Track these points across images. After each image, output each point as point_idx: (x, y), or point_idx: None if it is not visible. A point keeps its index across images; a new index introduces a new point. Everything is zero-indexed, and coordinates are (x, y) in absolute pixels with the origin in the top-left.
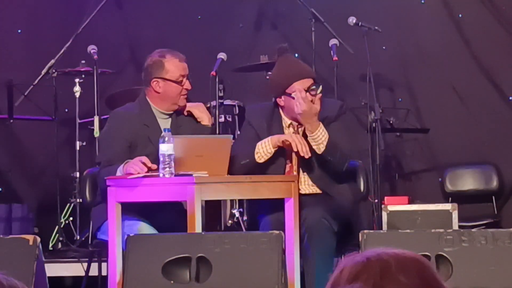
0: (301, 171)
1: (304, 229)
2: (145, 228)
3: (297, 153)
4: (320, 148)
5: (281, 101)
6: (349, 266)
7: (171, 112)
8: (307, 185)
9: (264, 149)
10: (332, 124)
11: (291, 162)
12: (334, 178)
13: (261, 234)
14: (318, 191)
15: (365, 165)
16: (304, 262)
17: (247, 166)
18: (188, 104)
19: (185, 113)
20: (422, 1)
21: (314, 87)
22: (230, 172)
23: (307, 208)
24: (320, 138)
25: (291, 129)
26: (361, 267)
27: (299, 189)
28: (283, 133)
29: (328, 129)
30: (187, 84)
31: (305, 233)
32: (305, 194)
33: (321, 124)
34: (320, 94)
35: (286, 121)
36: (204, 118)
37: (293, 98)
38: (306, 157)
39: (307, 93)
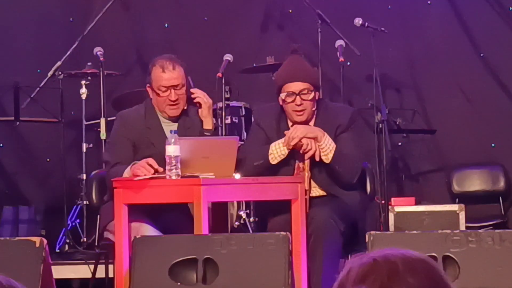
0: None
1: (311, 229)
2: (150, 231)
3: (307, 156)
4: (328, 158)
5: (280, 100)
6: (356, 267)
7: (170, 117)
8: (317, 188)
9: (278, 151)
10: (344, 134)
11: (303, 163)
12: (343, 186)
13: (267, 236)
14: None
15: (372, 166)
16: (310, 262)
17: (261, 167)
18: (199, 94)
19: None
20: (429, 2)
21: (305, 92)
22: (242, 173)
23: (315, 208)
24: (327, 147)
25: None
26: (368, 268)
27: (309, 192)
28: None
29: (339, 138)
30: (171, 95)
31: (312, 233)
32: (314, 197)
33: (326, 135)
34: (311, 98)
35: (291, 123)
36: (206, 121)
37: (284, 100)
38: (317, 159)
39: (298, 97)
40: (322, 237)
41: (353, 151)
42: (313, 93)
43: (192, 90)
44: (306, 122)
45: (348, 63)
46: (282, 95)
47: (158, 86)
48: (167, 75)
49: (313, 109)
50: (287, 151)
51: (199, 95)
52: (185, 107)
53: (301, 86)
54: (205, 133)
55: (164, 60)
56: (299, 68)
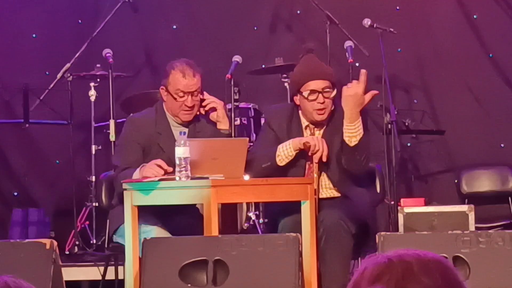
0: (320, 174)
1: (322, 230)
2: (160, 233)
3: (316, 158)
4: (351, 141)
5: (297, 100)
6: (371, 267)
7: (183, 122)
8: (326, 189)
9: (285, 152)
10: None
11: (311, 163)
12: (354, 181)
13: (277, 237)
14: (336, 194)
15: (381, 167)
16: (321, 264)
17: (268, 169)
18: (211, 98)
19: (203, 112)
20: (436, 3)
21: (328, 90)
22: (251, 174)
23: (325, 210)
24: (356, 131)
25: (308, 131)
26: (383, 268)
27: (318, 193)
28: (302, 134)
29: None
30: (188, 101)
31: (322, 235)
32: (323, 198)
33: (360, 118)
34: (333, 96)
35: (303, 121)
36: (224, 122)
37: (305, 97)
38: (324, 160)
39: (320, 95)
40: (333, 239)
41: (364, 141)
42: (334, 91)
43: (200, 96)
44: (323, 122)
45: (357, 64)
46: (305, 93)
47: (176, 91)
48: (187, 81)
49: (332, 108)
50: (294, 153)
51: (210, 99)
52: (197, 113)
53: (323, 84)
54: (222, 133)
55: (184, 65)
56: (319, 66)
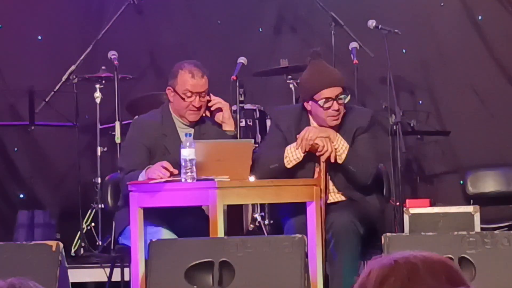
0: (328, 178)
1: (331, 233)
2: (166, 235)
3: (324, 157)
4: (342, 157)
5: (309, 105)
6: (377, 269)
7: (189, 123)
8: (333, 193)
9: (292, 154)
10: (362, 136)
11: (319, 165)
12: (361, 187)
13: (283, 238)
14: (344, 198)
15: (386, 168)
16: (330, 266)
17: (276, 170)
18: (217, 100)
19: (208, 113)
20: (442, 4)
21: (342, 96)
22: (258, 175)
23: (334, 212)
24: (340, 147)
25: None
26: (389, 269)
27: (326, 193)
28: None
29: (357, 139)
30: (195, 102)
31: (331, 238)
32: (331, 203)
33: (338, 135)
34: (347, 101)
35: (314, 125)
36: (229, 123)
37: (320, 106)
38: (332, 161)
39: (335, 101)
40: (343, 241)
41: (369, 153)
42: (348, 97)
43: (207, 98)
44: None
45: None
46: (321, 102)
47: (184, 91)
48: (195, 81)
49: (343, 112)
50: (302, 155)
51: (216, 100)
52: (203, 114)
53: (337, 91)
54: (228, 134)
55: (193, 66)
56: (331, 73)
